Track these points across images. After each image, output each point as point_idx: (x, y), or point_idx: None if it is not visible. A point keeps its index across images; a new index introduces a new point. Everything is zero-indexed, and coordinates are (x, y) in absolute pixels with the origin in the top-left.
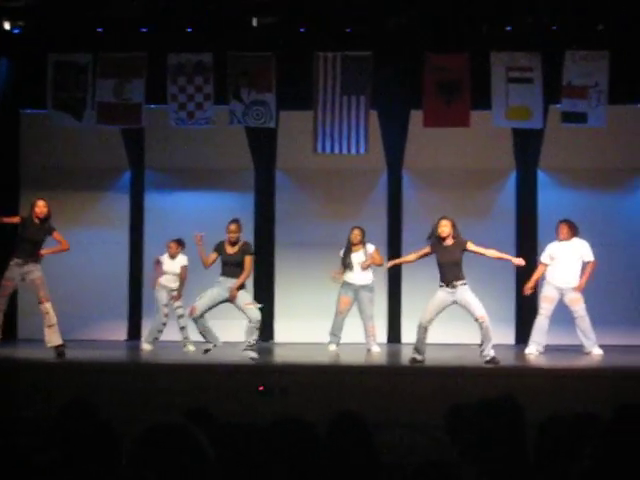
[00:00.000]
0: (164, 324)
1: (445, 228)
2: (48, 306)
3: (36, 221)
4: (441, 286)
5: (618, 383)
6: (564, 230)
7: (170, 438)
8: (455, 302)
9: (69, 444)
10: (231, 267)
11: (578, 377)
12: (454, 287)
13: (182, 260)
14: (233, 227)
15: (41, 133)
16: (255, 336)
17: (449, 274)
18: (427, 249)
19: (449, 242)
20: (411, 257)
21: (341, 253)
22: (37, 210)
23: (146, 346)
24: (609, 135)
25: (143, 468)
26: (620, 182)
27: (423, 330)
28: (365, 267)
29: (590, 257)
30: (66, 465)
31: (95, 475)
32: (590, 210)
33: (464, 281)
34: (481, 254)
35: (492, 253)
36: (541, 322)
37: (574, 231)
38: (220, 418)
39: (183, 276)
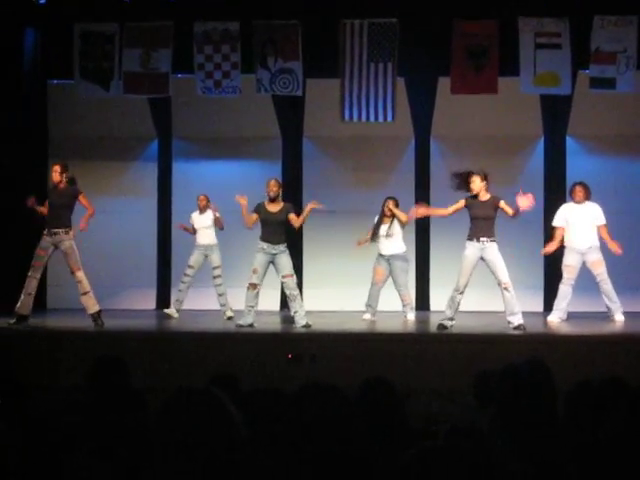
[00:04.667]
0: (183, 282)
1: (474, 185)
2: (80, 275)
3: (58, 186)
4: (470, 240)
5: None
6: (580, 193)
7: (196, 403)
8: (482, 259)
9: (97, 404)
10: (273, 227)
11: (605, 343)
12: (483, 243)
13: (211, 214)
14: (272, 182)
15: (68, 103)
16: (298, 304)
17: (481, 229)
18: (462, 203)
19: (484, 197)
20: (447, 210)
21: (375, 221)
22: (54, 175)
23: (169, 311)
24: (638, 100)
25: (169, 432)
26: None
27: (459, 297)
28: (405, 220)
29: (602, 220)
30: (93, 427)
31: (122, 437)
32: (619, 176)
33: (494, 238)
34: (506, 212)
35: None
36: (564, 290)
37: (588, 194)
38: (248, 385)
39: (220, 222)
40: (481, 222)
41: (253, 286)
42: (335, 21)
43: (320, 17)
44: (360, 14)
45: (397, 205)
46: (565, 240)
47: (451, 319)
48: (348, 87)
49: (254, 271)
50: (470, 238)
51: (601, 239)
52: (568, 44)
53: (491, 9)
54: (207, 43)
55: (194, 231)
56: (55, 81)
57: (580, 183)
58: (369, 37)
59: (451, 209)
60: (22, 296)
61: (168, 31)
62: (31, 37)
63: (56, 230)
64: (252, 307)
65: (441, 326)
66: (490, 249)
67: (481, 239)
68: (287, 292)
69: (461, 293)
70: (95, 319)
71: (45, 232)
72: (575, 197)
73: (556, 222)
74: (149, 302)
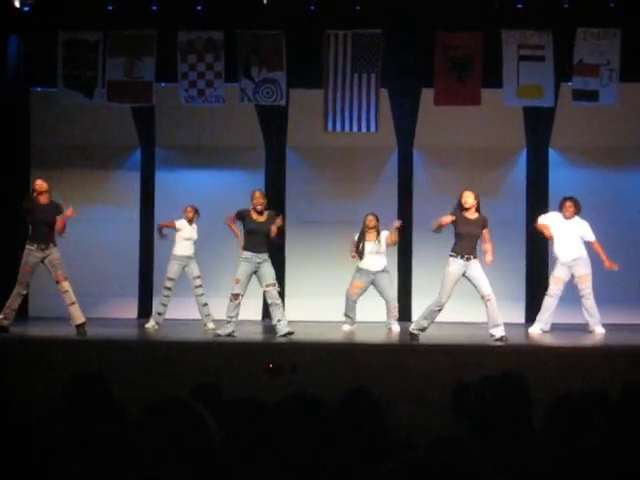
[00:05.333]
0: (167, 297)
1: (469, 199)
2: (66, 285)
3: (42, 201)
4: (453, 256)
5: (625, 361)
6: (571, 208)
7: (171, 413)
8: (464, 275)
9: (77, 415)
10: (260, 236)
11: (585, 355)
12: (468, 260)
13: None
14: (258, 194)
15: (51, 111)
16: (280, 314)
17: (467, 247)
18: (450, 217)
19: (472, 215)
20: (446, 220)
21: (355, 237)
22: (37, 189)
23: (149, 323)
24: (620, 113)
25: (145, 443)
26: (631, 160)
27: (438, 311)
28: (392, 243)
29: (592, 237)
30: (71, 437)
31: (100, 447)
32: (601, 188)
33: (477, 255)
34: (483, 240)
35: (487, 246)
36: (549, 302)
37: (578, 210)
38: (229, 395)
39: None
40: (467, 239)
41: (235, 296)
42: (319, 31)
43: (304, 27)
44: (344, 25)
45: (378, 220)
46: (555, 253)
47: (423, 329)
48: (332, 97)
49: (236, 281)
50: (454, 255)
51: (594, 253)
52: (551, 56)
53: (474, 21)
54: (191, 52)
55: (163, 234)
56: (38, 88)
57: (571, 198)
58: (353, 48)
59: (448, 219)
60: (6, 310)
61: (152, 40)
62: (14, 44)
63: (45, 245)
64: (232, 317)
65: (413, 335)
66: (473, 266)
67: (466, 256)
68: (269, 301)
69: (440, 310)
70: (80, 331)
71: (33, 247)
72: (566, 212)
73: (542, 220)
74: (131, 311)
